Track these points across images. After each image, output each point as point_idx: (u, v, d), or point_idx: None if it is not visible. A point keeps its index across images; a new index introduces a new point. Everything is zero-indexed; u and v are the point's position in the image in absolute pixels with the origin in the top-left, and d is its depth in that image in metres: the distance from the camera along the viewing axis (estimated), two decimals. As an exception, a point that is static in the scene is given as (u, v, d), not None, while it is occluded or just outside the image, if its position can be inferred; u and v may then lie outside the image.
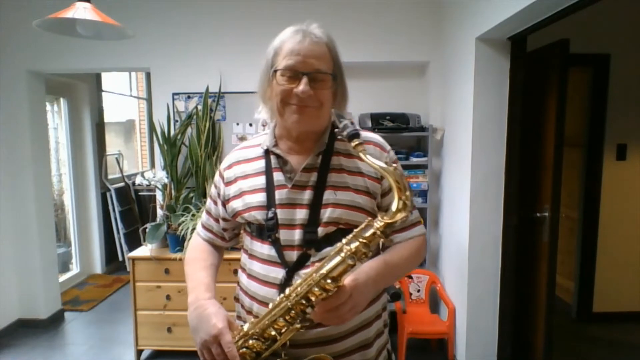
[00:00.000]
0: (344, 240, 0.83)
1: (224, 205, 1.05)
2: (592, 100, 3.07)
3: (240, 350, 0.85)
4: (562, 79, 2.11)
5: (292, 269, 0.92)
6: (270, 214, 0.94)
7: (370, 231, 0.82)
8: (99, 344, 3.01)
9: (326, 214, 0.92)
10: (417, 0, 2.90)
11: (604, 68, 3.01)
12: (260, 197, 0.97)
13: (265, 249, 0.97)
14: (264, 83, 0.99)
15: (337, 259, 0.81)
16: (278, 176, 0.97)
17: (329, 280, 0.80)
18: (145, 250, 2.72)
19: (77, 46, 2.94)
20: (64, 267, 4.14)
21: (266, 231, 0.95)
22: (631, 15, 2.97)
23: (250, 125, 3.01)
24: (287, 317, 0.83)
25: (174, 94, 3.01)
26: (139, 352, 2.72)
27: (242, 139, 3.02)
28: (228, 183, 1.04)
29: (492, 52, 2.28)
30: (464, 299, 2.45)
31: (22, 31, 2.97)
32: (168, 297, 2.64)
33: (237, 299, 1.09)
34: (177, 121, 3.01)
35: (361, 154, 0.86)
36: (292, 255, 0.93)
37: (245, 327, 0.87)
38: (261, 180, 0.99)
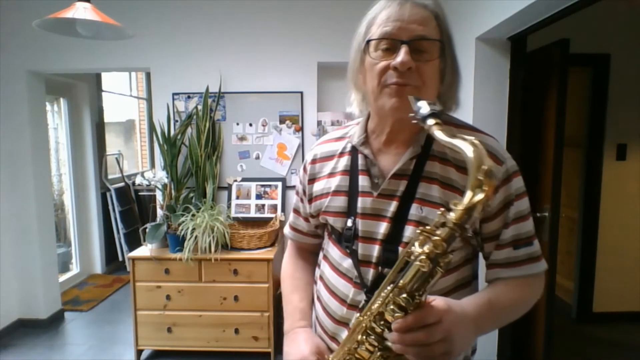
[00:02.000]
0: (413, 246, 0.64)
1: (310, 203, 0.94)
2: (592, 100, 3.06)
3: None
4: (562, 79, 2.11)
5: (369, 290, 0.80)
6: (350, 223, 0.83)
7: (444, 225, 0.62)
8: (99, 344, 3.01)
9: (407, 232, 0.78)
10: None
11: (604, 68, 3.01)
12: (342, 202, 0.86)
13: (337, 255, 0.88)
14: (354, 66, 0.83)
15: (412, 268, 0.63)
16: (363, 181, 0.84)
17: (403, 295, 0.63)
18: (145, 250, 2.72)
19: (77, 46, 2.94)
20: (64, 267, 4.13)
21: (344, 241, 0.85)
22: (631, 15, 2.96)
23: (250, 125, 3.01)
24: (367, 343, 0.70)
25: (174, 94, 3.01)
26: (139, 352, 2.72)
27: (242, 139, 3.02)
28: (311, 180, 0.94)
29: (492, 52, 2.28)
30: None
31: (22, 31, 2.97)
32: (168, 297, 2.64)
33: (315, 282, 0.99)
34: (177, 121, 3.01)
35: (433, 130, 0.66)
36: (368, 273, 0.81)
37: (330, 357, 0.78)
38: (345, 182, 0.87)
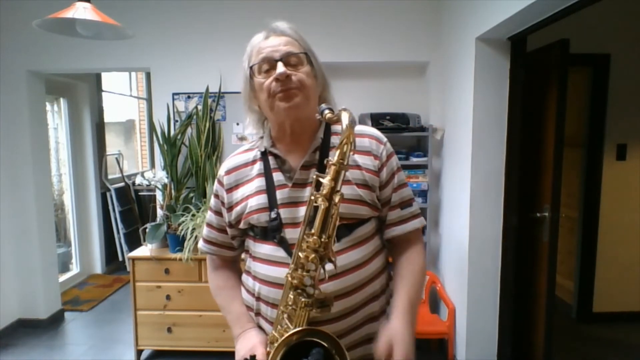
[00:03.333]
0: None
1: (229, 211, 1.04)
2: (592, 100, 3.06)
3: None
4: (562, 79, 2.11)
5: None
6: (274, 215, 0.94)
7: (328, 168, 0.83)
8: (99, 344, 3.01)
9: None
10: (417, 0, 2.90)
11: (604, 68, 3.01)
12: (262, 199, 0.97)
13: (268, 249, 0.97)
14: (246, 93, 1.04)
15: (318, 212, 0.82)
16: (278, 176, 0.98)
17: (313, 238, 0.81)
18: (145, 250, 2.72)
19: (77, 46, 2.94)
20: (64, 267, 4.14)
21: (270, 232, 0.95)
22: (631, 15, 2.97)
23: (250, 125, 3.01)
24: (293, 296, 0.84)
25: (174, 94, 3.01)
26: (139, 352, 2.72)
27: (242, 139, 3.02)
28: (229, 189, 1.03)
29: (492, 52, 2.28)
30: (464, 299, 2.45)
31: (22, 31, 2.97)
32: (168, 297, 2.64)
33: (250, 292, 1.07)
34: (177, 121, 3.01)
35: (326, 114, 0.87)
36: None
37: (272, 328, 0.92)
38: (261, 182, 0.99)
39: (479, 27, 2.22)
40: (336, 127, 1.02)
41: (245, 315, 1.03)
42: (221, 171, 1.07)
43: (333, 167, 0.81)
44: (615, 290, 3.16)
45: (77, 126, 4.17)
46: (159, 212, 2.96)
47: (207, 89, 2.92)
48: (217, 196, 1.07)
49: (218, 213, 1.08)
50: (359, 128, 1.01)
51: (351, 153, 0.82)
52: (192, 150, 2.89)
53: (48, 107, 3.77)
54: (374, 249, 1.01)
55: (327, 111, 0.87)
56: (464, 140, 2.46)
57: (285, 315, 0.87)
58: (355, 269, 0.95)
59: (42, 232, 3.22)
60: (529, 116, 2.32)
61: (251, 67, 0.99)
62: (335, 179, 0.81)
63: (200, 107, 2.94)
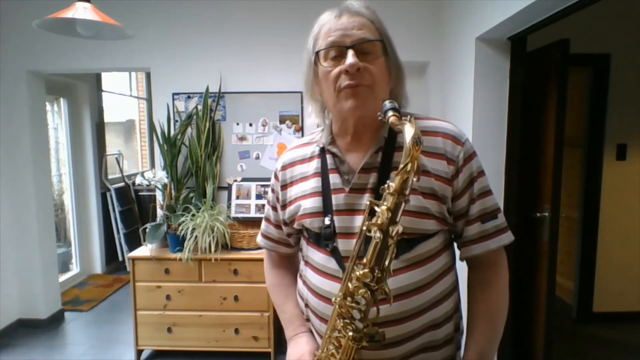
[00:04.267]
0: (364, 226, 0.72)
1: (282, 209, 0.97)
2: (592, 100, 3.06)
3: None
4: (562, 79, 2.11)
5: None
6: (327, 222, 0.85)
7: (384, 199, 0.70)
8: (99, 344, 3.01)
9: None
10: (417, 0, 2.90)
11: (604, 68, 3.01)
12: (316, 203, 0.88)
13: (320, 257, 0.89)
14: (309, 79, 0.90)
15: (370, 243, 0.70)
16: (334, 178, 0.88)
17: (364, 270, 0.70)
18: (145, 250, 2.72)
19: (77, 46, 2.94)
20: (64, 267, 4.14)
21: (323, 240, 0.86)
22: (631, 15, 2.96)
23: (250, 125, 3.01)
24: (342, 325, 0.76)
25: (174, 94, 3.01)
26: (139, 352, 2.72)
27: (242, 139, 3.02)
28: (284, 186, 0.96)
29: (492, 52, 2.28)
30: (464, 299, 2.44)
31: (22, 31, 2.97)
32: (168, 297, 2.64)
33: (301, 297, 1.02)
34: (177, 121, 3.01)
35: (390, 117, 0.73)
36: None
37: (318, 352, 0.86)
38: (317, 183, 0.90)
39: (479, 27, 2.22)
40: None
41: (298, 318, 0.97)
42: (278, 164, 0.99)
43: (391, 198, 0.69)
44: (615, 290, 3.16)
45: (77, 126, 4.17)
46: (159, 212, 2.96)
47: (207, 89, 2.92)
48: (273, 191, 1.00)
49: (274, 208, 1.01)
50: (431, 124, 0.88)
51: (414, 179, 0.69)
52: (192, 150, 2.89)
53: (48, 107, 3.77)
54: (439, 268, 0.87)
55: (390, 113, 0.74)
56: (464, 140, 2.46)
57: (333, 341, 0.79)
58: (415, 292, 0.82)
59: (42, 232, 3.22)
60: (529, 116, 2.32)
61: (317, 53, 0.85)
62: (393, 211, 0.68)
63: (200, 107, 2.94)
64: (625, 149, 3.09)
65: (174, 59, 2.99)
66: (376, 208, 0.70)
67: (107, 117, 4.62)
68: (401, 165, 0.69)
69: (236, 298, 2.62)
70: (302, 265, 0.98)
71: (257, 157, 3.03)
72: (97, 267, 4.37)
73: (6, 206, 3.11)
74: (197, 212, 2.60)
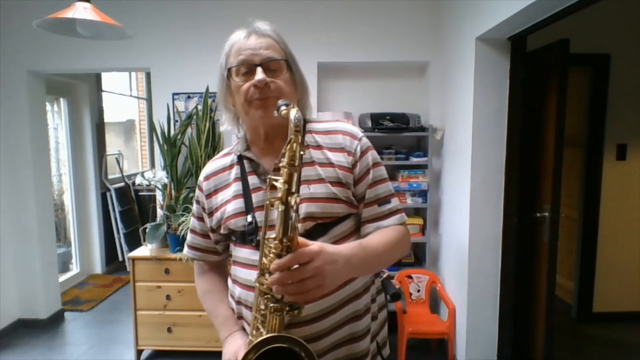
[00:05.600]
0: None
1: (209, 217, 1.04)
2: (592, 100, 3.06)
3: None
4: (562, 79, 2.11)
5: None
6: (250, 219, 0.94)
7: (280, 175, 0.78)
8: (99, 344, 3.01)
9: (302, 209, 0.90)
10: (417, 0, 2.90)
11: (604, 68, 3.01)
12: (239, 204, 0.97)
13: (246, 252, 0.96)
14: (222, 92, 1.01)
15: (276, 217, 0.76)
16: (253, 179, 0.98)
17: (275, 243, 0.76)
18: (145, 250, 2.72)
19: (77, 46, 2.94)
20: (64, 267, 4.14)
21: (248, 236, 0.95)
22: (631, 15, 2.97)
23: (250, 125, 3.01)
24: (264, 303, 0.82)
25: (174, 94, 3.01)
26: (139, 352, 2.72)
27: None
28: (209, 195, 1.04)
29: (492, 52, 2.28)
30: (464, 299, 2.45)
31: (22, 31, 2.97)
32: (168, 297, 2.64)
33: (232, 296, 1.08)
34: (177, 121, 3.01)
35: (282, 111, 0.82)
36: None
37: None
38: (238, 187, 0.99)
39: (479, 27, 2.22)
40: (312, 126, 1.02)
41: (231, 319, 1.03)
42: (201, 177, 1.07)
43: (284, 170, 0.77)
44: (614, 290, 3.16)
45: (77, 126, 4.17)
46: (159, 212, 2.96)
47: (207, 89, 2.92)
48: (198, 202, 1.08)
49: (200, 219, 1.08)
50: (332, 125, 1.02)
51: (302, 152, 0.78)
52: (192, 150, 2.89)
53: (48, 107, 3.77)
54: None
55: (283, 107, 0.83)
56: (464, 140, 2.46)
57: (260, 321, 0.85)
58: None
59: (42, 232, 3.22)
60: (529, 116, 2.32)
61: (229, 69, 0.96)
62: (288, 182, 0.77)
63: (200, 107, 2.94)
64: (625, 149, 3.09)
65: (174, 59, 2.99)
66: (275, 183, 0.78)
67: (107, 117, 4.62)
68: (287, 141, 0.77)
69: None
70: (231, 268, 1.04)
71: (257, 157, 3.03)
72: (97, 267, 4.38)
73: (6, 206, 3.11)
74: (197, 212, 2.60)
